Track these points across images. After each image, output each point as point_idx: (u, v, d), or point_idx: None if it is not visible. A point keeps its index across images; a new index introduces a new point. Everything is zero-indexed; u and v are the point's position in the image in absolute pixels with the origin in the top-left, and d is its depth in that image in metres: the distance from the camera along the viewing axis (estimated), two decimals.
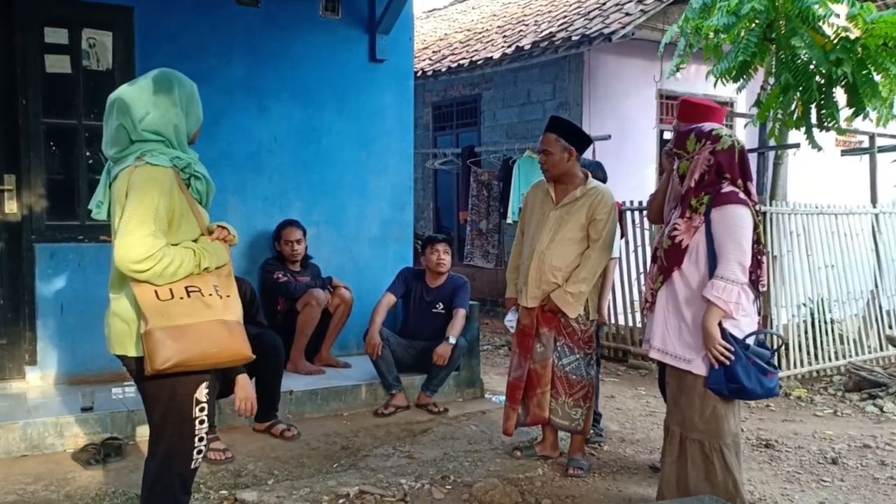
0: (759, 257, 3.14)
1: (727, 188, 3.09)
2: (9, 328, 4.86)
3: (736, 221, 3.03)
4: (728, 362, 3.01)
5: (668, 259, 3.21)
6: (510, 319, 4.26)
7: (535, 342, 4.06)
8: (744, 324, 3.09)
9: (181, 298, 2.34)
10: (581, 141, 4.04)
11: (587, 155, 7.88)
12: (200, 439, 2.49)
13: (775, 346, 3.19)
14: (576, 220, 3.96)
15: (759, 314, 3.25)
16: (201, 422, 2.48)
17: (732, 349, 3.01)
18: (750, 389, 3.01)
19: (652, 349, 3.30)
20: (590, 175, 4.10)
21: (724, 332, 3.02)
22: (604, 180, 4.64)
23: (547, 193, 4.08)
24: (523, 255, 4.15)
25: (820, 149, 6.20)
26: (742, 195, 3.09)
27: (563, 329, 4.00)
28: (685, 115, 3.77)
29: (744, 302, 3.06)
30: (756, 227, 3.13)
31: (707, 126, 3.23)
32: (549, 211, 4.03)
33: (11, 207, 4.81)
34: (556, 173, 4.02)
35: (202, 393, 2.46)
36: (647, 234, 6.90)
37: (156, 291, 2.32)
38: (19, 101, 4.77)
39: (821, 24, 5.65)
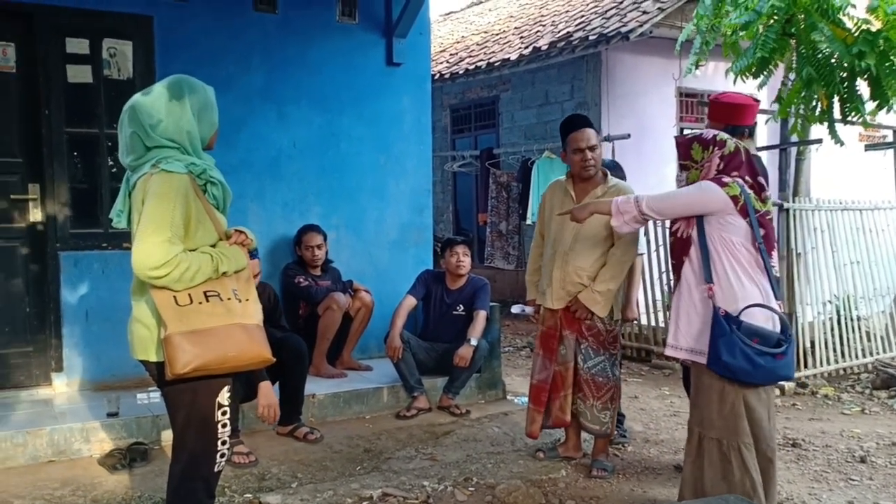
0: (768, 233, 3.13)
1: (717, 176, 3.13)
2: (35, 335, 4.93)
3: (698, 188, 3.13)
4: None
5: (675, 254, 3.25)
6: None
7: (559, 344, 4.04)
8: (756, 314, 3.05)
9: (200, 303, 2.36)
10: None
11: (606, 154, 7.88)
12: (223, 443, 2.51)
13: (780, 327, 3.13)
14: (598, 218, 3.86)
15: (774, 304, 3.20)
16: (223, 425, 2.50)
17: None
18: (734, 366, 2.94)
19: (668, 346, 3.28)
20: (609, 173, 4.08)
21: (716, 310, 3.00)
22: (622, 180, 4.63)
23: (566, 193, 4.04)
24: (545, 256, 4.11)
25: (842, 144, 6.12)
26: (727, 178, 3.10)
27: (586, 331, 3.96)
28: (716, 115, 3.67)
29: (743, 294, 3.03)
30: (768, 215, 3.13)
31: (707, 133, 3.24)
32: None
33: (36, 216, 4.88)
34: (598, 168, 3.99)
35: (224, 397, 2.48)
36: (667, 232, 6.85)
37: (175, 297, 2.34)
38: (42, 112, 4.84)
39: (840, 16, 5.59)
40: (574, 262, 3.91)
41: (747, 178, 3.14)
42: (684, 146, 3.25)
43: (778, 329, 3.08)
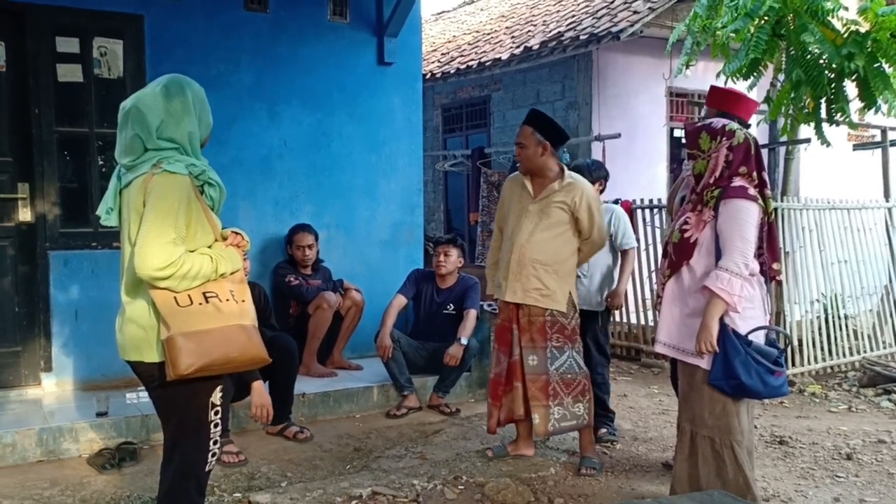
0: (772, 243, 3.15)
1: (737, 182, 3.10)
2: (24, 335, 4.91)
3: (742, 215, 3.04)
4: (710, 353, 3.02)
5: (676, 253, 3.22)
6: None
7: (512, 336, 4.04)
8: (749, 319, 3.09)
9: (200, 304, 2.37)
10: (557, 136, 4.00)
11: (597, 153, 7.89)
12: (215, 442, 2.53)
13: (782, 345, 3.18)
14: (556, 212, 3.92)
15: (767, 312, 3.23)
16: (216, 425, 2.51)
17: (717, 350, 3.01)
18: (749, 386, 2.99)
19: (658, 343, 3.30)
20: (566, 169, 4.06)
21: (724, 326, 3.02)
22: (605, 178, 4.67)
23: (524, 187, 4.03)
24: (503, 249, 4.11)
25: (829, 144, 6.17)
26: (752, 191, 3.09)
27: (549, 329, 3.93)
28: (713, 99, 3.79)
29: (747, 295, 3.06)
30: (770, 216, 3.14)
31: (717, 122, 3.23)
32: (527, 204, 3.99)
33: (25, 215, 4.87)
34: (529, 166, 3.99)
35: (217, 397, 2.49)
36: (657, 231, 6.89)
37: (175, 298, 2.34)
38: (32, 111, 4.83)
39: (830, 18, 5.63)
40: (530, 254, 3.92)
41: (754, 173, 3.14)
42: (692, 135, 3.23)
43: (772, 344, 3.13)
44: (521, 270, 3.93)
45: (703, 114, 3.92)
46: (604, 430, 4.59)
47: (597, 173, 4.65)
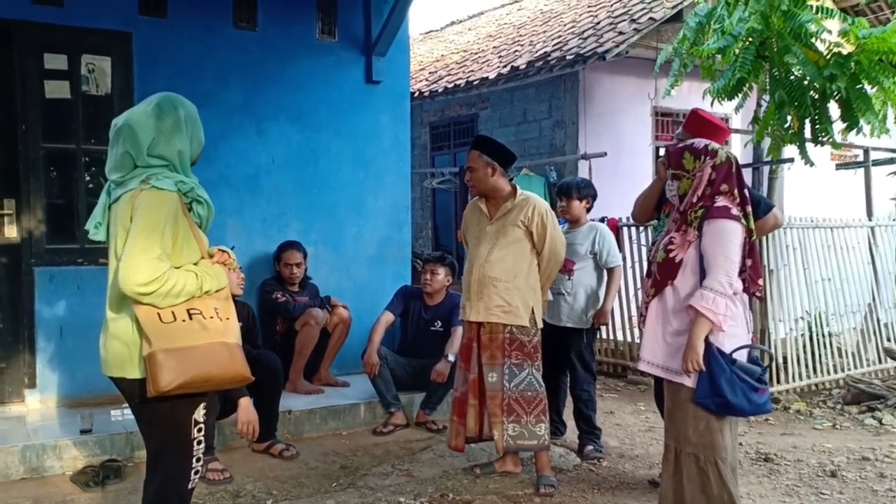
0: (754, 262, 3.18)
1: (721, 202, 3.14)
2: (8, 351, 4.88)
3: (726, 235, 3.08)
4: (697, 372, 3.04)
5: (661, 273, 3.25)
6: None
7: (472, 355, 4.09)
8: (732, 337, 3.11)
9: (183, 321, 2.36)
10: (504, 157, 4.10)
11: (583, 172, 7.94)
12: (198, 459, 2.52)
13: (765, 363, 3.20)
14: (512, 230, 4.01)
15: (749, 330, 3.26)
16: (199, 442, 2.50)
17: (704, 368, 3.03)
18: (735, 404, 3.02)
19: (642, 362, 3.32)
20: (518, 187, 4.15)
21: (709, 345, 3.04)
22: (593, 197, 4.73)
23: (481, 211, 4.15)
24: (465, 271, 4.20)
25: (812, 164, 6.24)
26: (735, 210, 3.13)
27: (508, 347, 3.97)
28: (692, 126, 3.88)
29: (730, 314, 3.09)
30: (751, 234, 3.18)
31: (699, 142, 3.28)
32: (485, 226, 4.09)
33: (11, 231, 4.85)
34: (481, 188, 4.09)
35: (200, 414, 2.49)
36: (643, 249, 6.94)
37: (158, 314, 2.34)
38: (19, 127, 4.82)
39: (813, 40, 5.71)
40: (488, 272, 3.99)
41: (736, 191, 3.18)
42: (676, 155, 3.28)
43: (755, 361, 3.16)
44: (481, 290, 4.01)
45: (678, 134, 3.97)
46: (590, 448, 4.60)
47: (584, 192, 4.71)
